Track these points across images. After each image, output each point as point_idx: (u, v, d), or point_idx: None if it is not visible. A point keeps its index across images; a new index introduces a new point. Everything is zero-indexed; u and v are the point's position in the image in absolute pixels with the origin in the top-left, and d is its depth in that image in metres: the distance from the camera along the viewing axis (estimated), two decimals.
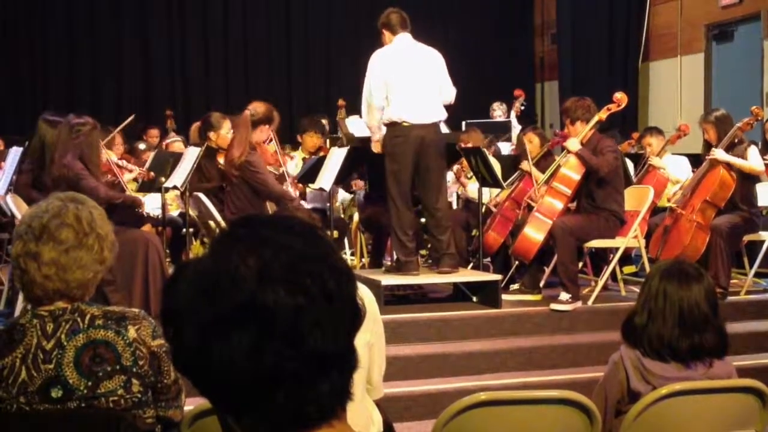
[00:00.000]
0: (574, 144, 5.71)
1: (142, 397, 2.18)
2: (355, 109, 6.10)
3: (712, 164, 6.06)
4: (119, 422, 2.10)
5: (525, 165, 6.61)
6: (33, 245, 2.12)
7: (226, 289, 1.00)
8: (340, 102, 8.77)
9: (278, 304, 0.99)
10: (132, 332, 2.17)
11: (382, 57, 5.69)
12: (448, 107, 5.82)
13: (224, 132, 6.12)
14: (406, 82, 5.58)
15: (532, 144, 6.93)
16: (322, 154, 6.98)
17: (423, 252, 6.85)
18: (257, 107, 5.81)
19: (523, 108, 9.77)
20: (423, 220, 6.22)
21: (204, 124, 6.32)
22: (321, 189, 6.35)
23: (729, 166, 6.01)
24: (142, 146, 8.49)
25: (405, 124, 5.55)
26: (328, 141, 7.76)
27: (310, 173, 6.61)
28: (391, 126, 5.61)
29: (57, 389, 2.11)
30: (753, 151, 6.13)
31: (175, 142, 8.20)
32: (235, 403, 1.03)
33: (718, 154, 6.01)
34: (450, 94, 5.81)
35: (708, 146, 6.27)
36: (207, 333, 1.00)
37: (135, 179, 6.32)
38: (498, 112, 10.07)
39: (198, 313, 1.00)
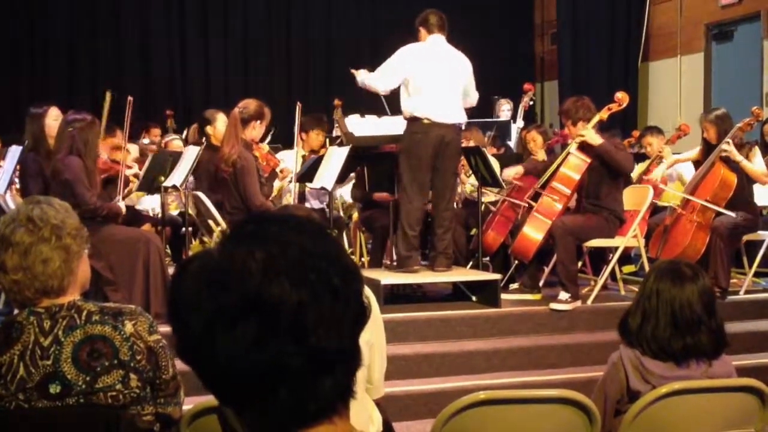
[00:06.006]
0: (595, 137, 5.61)
1: (141, 392, 2.19)
2: (352, 108, 6.08)
3: (714, 164, 6.04)
4: (119, 420, 2.10)
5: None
6: None
7: (232, 281, 1.00)
8: (336, 102, 8.74)
9: (283, 298, 0.99)
10: (129, 327, 2.18)
11: (411, 51, 5.69)
12: None
13: (220, 125, 6.04)
14: (433, 81, 5.59)
15: (536, 143, 6.92)
16: (322, 152, 6.94)
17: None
18: (248, 104, 5.78)
19: (531, 103, 9.70)
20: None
21: (200, 121, 6.30)
22: (323, 188, 6.33)
23: (729, 166, 5.99)
24: (146, 141, 8.47)
25: (426, 121, 5.56)
26: (327, 140, 7.73)
27: (308, 173, 6.59)
28: (412, 121, 5.61)
29: (55, 385, 2.11)
30: (758, 155, 6.12)
31: (173, 140, 8.18)
32: (237, 396, 1.03)
33: (727, 147, 5.89)
34: (474, 97, 5.91)
35: (707, 144, 6.24)
36: (212, 324, 1.00)
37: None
38: (506, 106, 9.98)
39: (204, 305, 1.01)
